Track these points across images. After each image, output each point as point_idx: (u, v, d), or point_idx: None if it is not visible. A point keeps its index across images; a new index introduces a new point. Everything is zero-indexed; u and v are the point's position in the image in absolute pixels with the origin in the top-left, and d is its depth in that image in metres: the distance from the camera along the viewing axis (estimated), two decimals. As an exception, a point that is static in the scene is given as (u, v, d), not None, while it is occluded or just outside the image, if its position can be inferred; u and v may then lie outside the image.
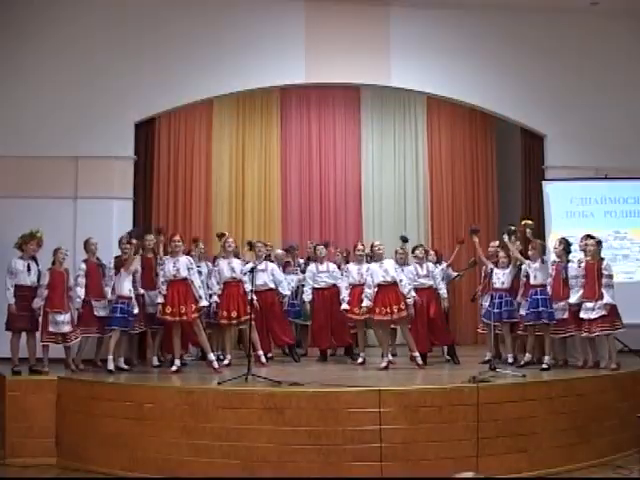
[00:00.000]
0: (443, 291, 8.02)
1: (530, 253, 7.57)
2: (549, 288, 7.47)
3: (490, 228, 10.98)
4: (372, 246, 7.77)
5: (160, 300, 7.20)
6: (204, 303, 7.29)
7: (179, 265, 7.22)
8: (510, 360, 7.76)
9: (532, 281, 7.48)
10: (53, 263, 7.24)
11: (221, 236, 8.08)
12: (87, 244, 7.63)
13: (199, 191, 10.65)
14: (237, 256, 8.09)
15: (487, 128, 11.40)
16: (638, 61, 10.08)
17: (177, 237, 7.43)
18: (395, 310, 7.32)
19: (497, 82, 9.90)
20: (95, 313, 7.45)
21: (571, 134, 9.86)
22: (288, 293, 8.44)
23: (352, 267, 8.02)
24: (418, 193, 11.30)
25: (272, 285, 8.12)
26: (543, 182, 9.65)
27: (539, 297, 7.37)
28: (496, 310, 7.73)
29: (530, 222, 7.92)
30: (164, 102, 9.32)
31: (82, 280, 7.42)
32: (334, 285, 8.21)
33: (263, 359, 7.74)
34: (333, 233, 10.99)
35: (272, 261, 8.53)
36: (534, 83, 9.91)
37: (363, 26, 9.64)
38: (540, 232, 9.49)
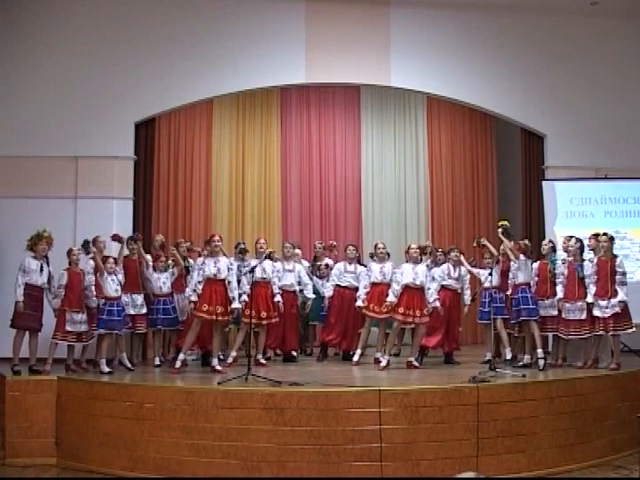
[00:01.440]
0: (467, 297, 8.10)
1: (511, 254, 7.68)
2: (560, 287, 7.49)
3: (490, 228, 10.97)
4: (409, 248, 7.74)
5: (194, 299, 7.14)
6: (236, 305, 7.27)
7: (220, 265, 7.21)
8: (508, 356, 7.80)
9: (515, 280, 7.64)
10: (69, 264, 7.28)
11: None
12: (96, 242, 7.62)
13: (199, 191, 10.64)
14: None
15: (487, 128, 11.40)
16: (638, 61, 10.09)
17: (217, 237, 7.41)
18: (418, 315, 7.38)
19: (497, 82, 9.90)
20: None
21: (571, 134, 9.87)
22: (313, 296, 8.44)
23: (375, 266, 7.99)
24: (418, 193, 11.30)
25: (297, 288, 8.18)
26: (543, 182, 9.65)
27: (520, 296, 7.50)
28: (486, 309, 7.90)
29: (505, 223, 7.94)
30: (164, 102, 9.32)
31: (92, 278, 7.42)
32: (356, 288, 8.16)
33: (262, 361, 7.80)
34: (333, 233, 10.99)
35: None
36: (534, 83, 9.91)
37: (363, 26, 9.64)
38: (540, 231, 9.53)
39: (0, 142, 8.84)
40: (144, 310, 7.79)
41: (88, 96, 9.04)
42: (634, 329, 7.28)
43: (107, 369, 7.16)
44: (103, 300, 7.34)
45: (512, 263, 7.71)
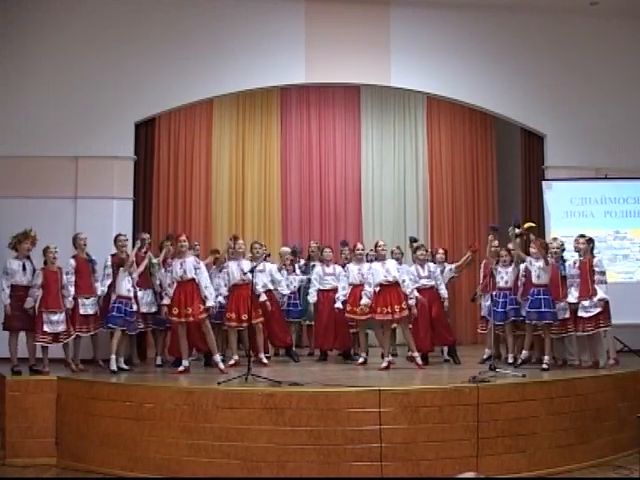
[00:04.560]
0: (443, 291, 8.02)
1: (533, 252, 7.55)
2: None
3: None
4: (376, 245, 7.75)
5: (166, 302, 7.17)
6: (210, 303, 7.23)
7: (186, 266, 7.18)
8: (510, 360, 7.77)
9: (535, 280, 7.43)
10: (45, 263, 7.20)
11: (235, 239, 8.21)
12: (76, 239, 7.60)
13: (199, 191, 10.64)
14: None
15: (487, 128, 11.40)
16: (638, 61, 10.08)
17: (183, 237, 7.37)
18: (397, 310, 7.34)
19: (497, 82, 9.89)
20: (82, 312, 7.42)
21: (571, 134, 9.86)
22: (287, 292, 8.44)
23: (352, 267, 8.02)
24: (418, 193, 11.30)
25: (271, 286, 8.11)
26: (543, 182, 9.65)
27: (542, 297, 7.32)
28: (501, 309, 7.77)
29: (534, 225, 7.88)
30: (164, 102, 9.31)
31: (72, 278, 7.38)
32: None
33: (264, 360, 7.78)
34: (333, 233, 10.99)
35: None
36: (534, 83, 9.91)
37: (363, 26, 9.63)
38: (540, 232, 9.52)
39: (0, 142, 8.84)
40: (154, 309, 7.82)
41: (88, 96, 9.03)
42: (610, 327, 7.35)
43: (115, 367, 7.14)
44: (115, 298, 7.33)
45: (531, 261, 7.48)
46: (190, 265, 7.20)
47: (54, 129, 8.95)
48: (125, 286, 7.35)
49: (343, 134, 11.30)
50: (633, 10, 9.85)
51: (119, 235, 7.87)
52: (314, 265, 9.02)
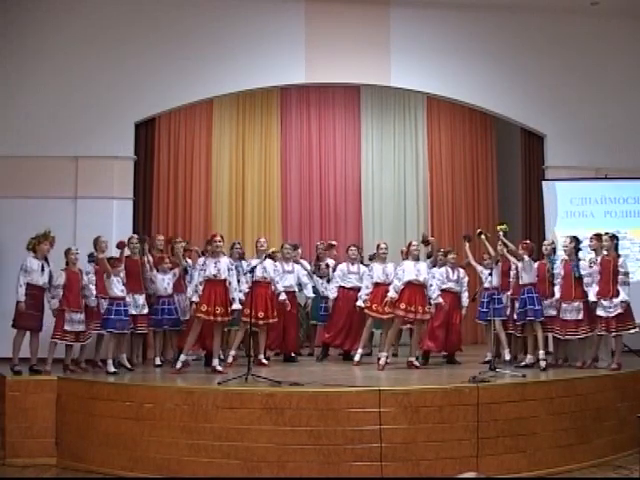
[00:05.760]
0: (465, 300, 8.12)
1: (520, 253, 7.62)
2: (558, 287, 7.48)
3: (490, 228, 10.95)
4: (409, 245, 7.73)
5: (195, 299, 7.12)
6: (236, 306, 7.25)
7: (220, 266, 7.17)
8: (507, 357, 7.80)
9: (520, 281, 7.56)
10: (67, 264, 7.29)
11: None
12: (97, 242, 7.60)
13: (199, 191, 10.65)
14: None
15: (487, 128, 11.41)
16: (638, 61, 10.09)
17: (218, 237, 7.35)
18: (420, 311, 7.37)
19: (497, 82, 9.90)
20: (102, 311, 7.46)
21: (571, 134, 9.86)
22: (313, 296, 8.46)
23: (377, 266, 7.99)
24: (418, 193, 11.31)
25: (296, 289, 8.15)
26: (543, 182, 9.65)
27: (526, 296, 7.43)
28: (485, 309, 7.92)
29: (504, 227, 7.95)
30: (164, 102, 9.32)
31: (93, 277, 7.46)
32: (360, 289, 8.15)
33: (264, 361, 7.79)
34: (333, 232, 10.99)
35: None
36: (534, 83, 9.92)
37: (363, 26, 9.64)
38: (540, 231, 9.54)
39: (0, 142, 8.84)
40: (145, 310, 7.78)
41: (88, 96, 9.04)
42: (637, 329, 7.29)
43: (113, 369, 7.16)
44: (108, 300, 7.36)
45: (517, 264, 7.62)
46: (225, 265, 7.21)
47: (54, 129, 8.96)
48: (117, 287, 7.36)
49: (343, 134, 11.31)
50: (633, 10, 9.86)
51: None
52: (321, 265, 9.01)
